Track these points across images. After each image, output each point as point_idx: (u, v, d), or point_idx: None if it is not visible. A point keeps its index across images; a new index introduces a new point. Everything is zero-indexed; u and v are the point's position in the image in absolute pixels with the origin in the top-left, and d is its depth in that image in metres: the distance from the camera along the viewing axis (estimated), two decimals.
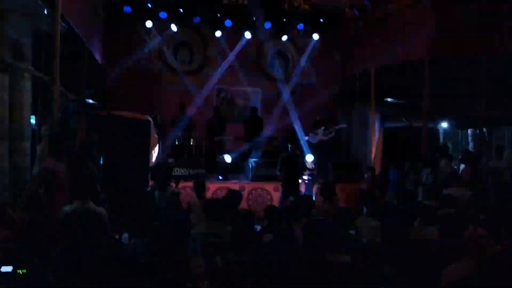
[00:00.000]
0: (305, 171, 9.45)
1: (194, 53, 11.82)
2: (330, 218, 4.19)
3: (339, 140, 12.31)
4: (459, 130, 11.70)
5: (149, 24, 10.92)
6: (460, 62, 9.43)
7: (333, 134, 11.07)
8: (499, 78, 8.96)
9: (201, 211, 5.76)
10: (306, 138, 11.04)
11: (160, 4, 10.63)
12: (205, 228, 4.22)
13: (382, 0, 9.62)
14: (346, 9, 10.90)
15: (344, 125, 11.50)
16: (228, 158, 9.68)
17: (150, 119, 8.44)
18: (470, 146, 10.57)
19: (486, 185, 7.73)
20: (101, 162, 6.15)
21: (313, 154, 10.54)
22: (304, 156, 10.07)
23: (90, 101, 9.64)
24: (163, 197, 5.86)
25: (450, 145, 9.88)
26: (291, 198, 8.00)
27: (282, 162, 8.34)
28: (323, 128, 10.99)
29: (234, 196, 5.32)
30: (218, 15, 11.13)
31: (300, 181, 8.80)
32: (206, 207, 4.21)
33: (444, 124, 11.06)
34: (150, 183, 7.53)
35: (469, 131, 10.86)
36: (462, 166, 7.98)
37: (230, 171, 9.84)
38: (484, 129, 9.85)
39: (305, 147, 10.85)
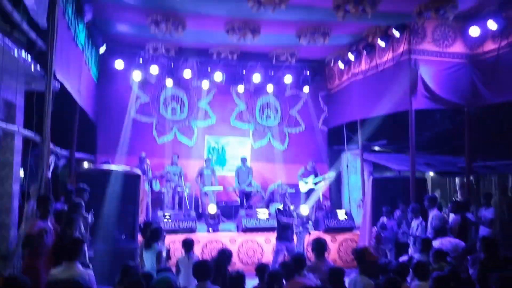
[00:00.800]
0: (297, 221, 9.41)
1: (185, 105, 11.99)
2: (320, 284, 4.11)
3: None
4: (447, 178, 11.87)
5: (139, 78, 11.12)
6: (443, 114, 9.74)
7: (324, 182, 11.16)
8: (483, 129, 9.26)
9: (191, 270, 5.73)
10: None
11: (151, 59, 10.87)
12: None
13: (366, 55, 9.96)
14: (331, 63, 11.28)
15: (333, 174, 11.63)
16: (213, 208, 9.58)
17: (140, 172, 8.45)
18: (458, 194, 10.66)
19: (475, 235, 7.74)
20: (90, 220, 6.07)
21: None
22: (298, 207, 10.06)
23: (81, 155, 9.65)
24: (147, 257, 5.76)
25: (438, 194, 9.96)
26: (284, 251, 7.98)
27: (278, 213, 8.29)
28: (312, 176, 11.10)
29: (224, 256, 5.27)
30: (209, 69, 11.41)
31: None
32: (194, 269, 4.15)
33: (432, 173, 11.21)
34: (140, 239, 7.44)
35: (457, 179, 11.01)
36: (451, 215, 8.00)
37: (218, 223, 9.71)
38: (471, 177, 9.99)
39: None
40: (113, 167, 8.27)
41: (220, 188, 11.07)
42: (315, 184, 11.06)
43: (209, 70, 11.48)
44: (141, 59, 10.94)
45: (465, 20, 8.30)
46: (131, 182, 7.89)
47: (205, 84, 11.67)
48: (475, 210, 8.62)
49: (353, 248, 5.06)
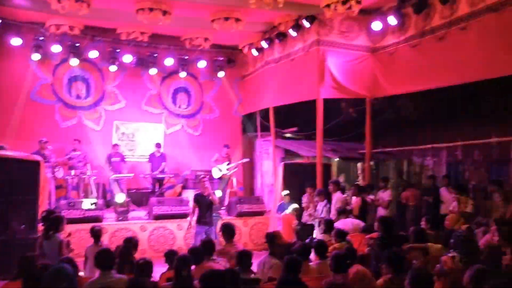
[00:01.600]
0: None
1: (91, 88, 11.31)
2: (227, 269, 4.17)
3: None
4: (350, 164, 12.67)
5: (40, 57, 10.27)
6: (348, 103, 10.32)
7: (236, 169, 11.33)
8: (382, 119, 10.01)
9: None
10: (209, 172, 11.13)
11: (53, 37, 10.08)
12: (99, 279, 3.99)
13: (278, 44, 10.18)
14: (245, 50, 11.37)
15: (246, 160, 11.84)
16: (121, 198, 9.28)
17: (40, 158, 7.86)
18: (360, 178, 11.45)
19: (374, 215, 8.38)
20: None
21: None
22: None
23: None
24: (48, 247, 5.45)
25: (342, 178, 10.61)
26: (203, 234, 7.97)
27: (195, 199, 8.21)
28: (226, 163, 11.19)
29: (130, 244, 5.14)
30: (118, 50, 10.88)
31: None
32: (96, 258, 4.00)
33: (337, 159, 11.89)
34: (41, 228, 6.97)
35: (358, 164, 11.79)
36: (353, 198, 8.58)
37: (127, 211, 9.41)
38: (372, 162, 10.76)
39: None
40: (9, 153, 7.59)
41: (131, 175, 10.72)
42: (228, 170, 11.16)
43: (118, 51, 10.94)
44: (41, 36, 10.09)
45: (368, 15, 8.82)
46: (29, 169, 7.30)
47: (114, 66, 11.08)
48: (375, 192, 9.34)
49: (267, 232, 5.25)
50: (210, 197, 7.87)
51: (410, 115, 10.95)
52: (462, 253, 4.32)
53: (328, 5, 7.88)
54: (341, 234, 5.85)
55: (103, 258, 3.99)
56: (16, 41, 9.96)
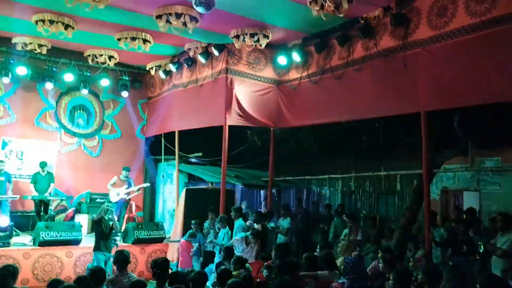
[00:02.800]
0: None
1: None
2: None
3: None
4: (254, 191, 12.91)
5: None
6: (253, 132, 10.58)
7: (136, 193, 10.86)
8: (285, 148, 10.43)
9: None
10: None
11: None
12: None
13: (187, 68, 10.18)
14: (152, 71, 11.17)
15: (147, 184, 11.45)
16: (4, 221, 8.39)
17: None
18: (263, 205, 11.70)
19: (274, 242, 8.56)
20: None
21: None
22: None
23: None
24: None
25: (244, 205, 10.74)
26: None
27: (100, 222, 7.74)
28: (125, 186, 10.69)
29: (7, 272, 4.59)
30: (11, 60, 10.01)
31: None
32: None
33: (241, 185, 12.03)
34: None
35: (262, 192, 12.06)
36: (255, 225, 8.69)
37: (10, 236, 8.51)
38: (274, 190, 11.08)
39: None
40: None
41: (16, 197, 9.72)
42: (128, 194, 10.66)
43: (12, 62, 10.07)
44: None
45: (275, 49, 9.24)
46: None
47: (7, 79, 10.13)
48: (276, 219, 9.58)
49: (153, 260, 5.01)
50: (111, 223, 7.51)
51: (310, 146, 11.55)
52: (351, 279, 4.57)
53: (237, 36, 8.13)
54: (240, 261, 5.86)
55: None
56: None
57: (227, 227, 8.33)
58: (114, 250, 8.57)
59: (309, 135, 11.21)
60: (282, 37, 8.78)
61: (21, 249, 8.38)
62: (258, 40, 8.16)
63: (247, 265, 6.03)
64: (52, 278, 4.96)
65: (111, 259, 7.34)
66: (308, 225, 10.92)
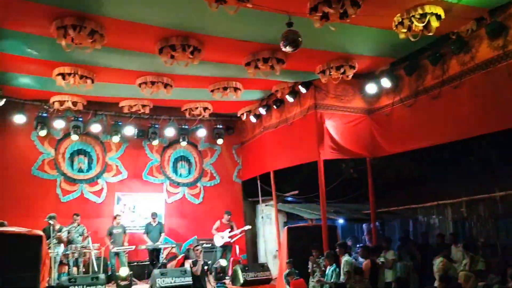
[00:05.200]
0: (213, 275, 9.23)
1: (93, 161, 11.41)
2: None
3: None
4: (355, 225, 12.50)
5: (43, 133, 10.49)
6: (347, 164, 10.38)
7: (239, 236, 11.12)
8: (383, 178, 10.05)
9: None
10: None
11: (57, 112, 10.34)
12: None
13: (276, 109, 10.46)
14: (243, 117, 11.65)
15: (248, 227, 11.65)
16: (125, 271, 9.01)
17: (41, 233, 7.71)
18: (366, 239, 11.22)
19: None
20: None
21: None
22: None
23: None
24: None
25: (349, 240, 10.38)
26: None
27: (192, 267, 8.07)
28: (228, 230, 11.01)
29: None
30: (120, 123, 11.14)
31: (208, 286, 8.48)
32: None
33: (341, 220, 11.74)
34: None
35: (364, 225, 11.62)
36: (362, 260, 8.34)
37: (130, 285, 9.09)
38: (377, 223, 10.63)
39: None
40: (9, 229, 7.46)
41: (132, 247, 10.45)
42: (231, 238, 10.95)
43: (120, 124, 11.20)
44: (45, 113, 10.35)
45: (362, 78, 9.16)
46: (31, 244, 7.15)
47: (116, 138, 11.28)
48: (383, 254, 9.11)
49: None
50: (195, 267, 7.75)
51: (411, 173, 11.01)
52: None
53: (323, 71, 8.23)
54: None
55: None
56: (19, 118, 10.20)
57: (334, 264, 8.09)
58: None
59: (408, 161, 10.71)
60: (368, 65, 8.71)
61: None
62: (344, 72, 8.17)
63: None
64: None
65: None
66: (418, 258, 10.21)
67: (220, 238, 10.95)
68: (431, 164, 10.48)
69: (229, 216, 11.25)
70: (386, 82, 8.68)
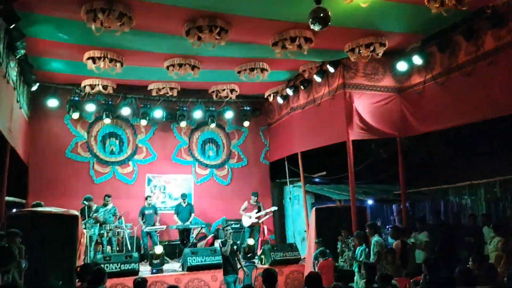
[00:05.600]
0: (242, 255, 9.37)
1: (124, 143, 11.65)
2: None
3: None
4: (384, 206, 12.38)
5: (75, 116, 10.76)
6: (377, 145, 10.21)
7: (266, 217, 11.20)
8: (414, 157, 9.85)
9: None
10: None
11: (88, 96, 10.56)
12: None
13: (303, 90, 10.36)
14: (270, 98, 11.60)
15: (275, 208, 11.65)
16: (159, 249, 9.26)
17: (77, 213, 7.99)
18: (396, 220, 11.13)
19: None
20: (24, 266, 5.63)
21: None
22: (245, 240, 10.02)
23: (11, 198, 8.97)
24: None
25: (379, 221, 10.31)
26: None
27: (221, 247, 8.20)
28: (256, 211, 11.10)
29: None
30: (149, 106, 11.30)
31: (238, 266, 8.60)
32: None
33: (370, 201, 11.64)
34: (78, 283, 6.96)
35: (394, 206, 11.49)
36: (392, 240, 8.29)
37: (162, 263, 9.34)
38: (408, 204, 10.48)
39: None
40: (46, 209, 7.76)
41: (163, 227, 10.72)
42: (258, 218, 11.05)
43: (149, 107, 11.36)
44: (76, 97, 10.60)
45: (393, 56, 8.94)
46: (67, 224, 7.43)
47: (145, 121, 11.48)
48: (414, 235, 9.01)
49: (308, 274, 5.04)
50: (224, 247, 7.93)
51: (442, 153, 10.77)
52: None
53: (352, 49, 8.06)
54: (386, 278, 5.61)
55: None
56: (52, 102, 10.48)
57: (364, 244, 8.07)
58: (254, 272, 8.95)
59: (440, 141, 10.46)
60: (399, 43, 8.48)
61: (173, 274, 9.12)
62: (374, 50, 7.99)
63: (393, 281, 5.76)
64: None
65: (238, 280, 7.93)
66: (449, 239, 10.05)
67: (248, 219, 11.08)
68: (463, 143, 10.20)
69: (256, 197, 11.33)
70: (417, 59, 8.45)
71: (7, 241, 5.72)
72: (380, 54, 8.12)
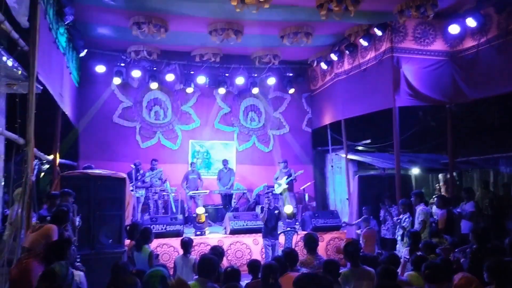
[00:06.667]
0: (283, 221, 9.45)
1: (168, 109, 11.88)
2: (319, 272, 4.13)
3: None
4: (429, 175, 12.05)
5: (121, 81, 11.03)
6: (426, 112, 9.83)
7: (295, 181, 11.07)
8: (464, 126, 9.43)
9: (188, 269, 5.65)
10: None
11: (133, 62, 10.76)
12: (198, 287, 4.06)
13: (349, 55, 10.06)
14: (314, 64, 11.36)
15: (301, 172, 11.34)
16: (201, 210, 9.53)
17: (125, 175, 8.31)
18: (442, 189, 10.83)
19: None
20: (77, 224, 5.97)
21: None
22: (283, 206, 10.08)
23: (63, 160, 9.44)
24: (139, 259, 5.66)
25: (424, 190, 10.08)
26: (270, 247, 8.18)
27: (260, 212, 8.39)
28: (285, 177, 11.02)
29: (217, 252, 5.21)
30: (192, 72, 11.38)
31: (279, 231, 8.73)
32: (200, 264, 4.09)
33: (415, 170, 11.36)
34: (127, 242, 7.34)
35: (440, 175, 11.17)
36: (438, 210, 8.10)
37: (206, 225, 9.62)
38: (454, 173, 10.16)
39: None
40: (96, 171, 8.12)
41: (206, 192, 10.98)
42: (288, 184, 10.98)
43: (192, 73, 11.44)
44: (122, 63, 10.82)
45: (445, 18, 8.47)
46: (116, 186, 7.77)
47: (188, 88, 11.60)
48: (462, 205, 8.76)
49: (346, 243, 5.02)
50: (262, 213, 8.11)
51: (493, 121, 10.26)
52: None
53: (401, 11, 7.69)
54: (431, 247, 5.52)
55: (207, 265, 4.05)
56: (100, 68, 10.76)
57: (408, 212, 7.94)
58: (294, 238, 9.06)
59: (492, 108, 9.94)
60: (452, 4, 7.99)
61: (216, 237, 9.40)
62: (425, 12, 7.57)
63: (437, 250, 5.66)
64: (250, 260, 5.38)
65: (278, 244, 8.23)
66: (498, 210, 9.70)
67: (278, 186, 11.08)
68: None
69: (284, 164, 11.21)
70: (471, 22, 7.93)
71: (61, 200, 6.05)
72: (431, 16, 7.70)
